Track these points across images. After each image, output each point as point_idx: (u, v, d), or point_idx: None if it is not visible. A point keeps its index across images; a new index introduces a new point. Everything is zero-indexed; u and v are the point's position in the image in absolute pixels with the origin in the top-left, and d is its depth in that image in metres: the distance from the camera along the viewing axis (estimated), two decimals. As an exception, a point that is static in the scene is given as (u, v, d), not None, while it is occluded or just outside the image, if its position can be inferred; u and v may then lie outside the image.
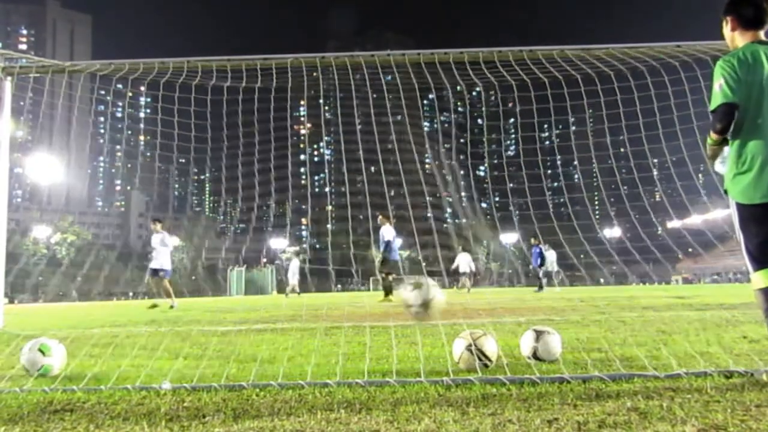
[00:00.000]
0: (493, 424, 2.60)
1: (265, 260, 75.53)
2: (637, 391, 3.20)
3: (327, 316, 10.25)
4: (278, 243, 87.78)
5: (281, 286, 59.07)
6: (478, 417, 2.73)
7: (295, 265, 32.70)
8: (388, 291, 14.87)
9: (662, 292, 20.89)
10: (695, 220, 21.99)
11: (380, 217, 16.22)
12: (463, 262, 30.29)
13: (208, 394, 3.46)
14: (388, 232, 15.42)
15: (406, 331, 6.70)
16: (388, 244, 15.20)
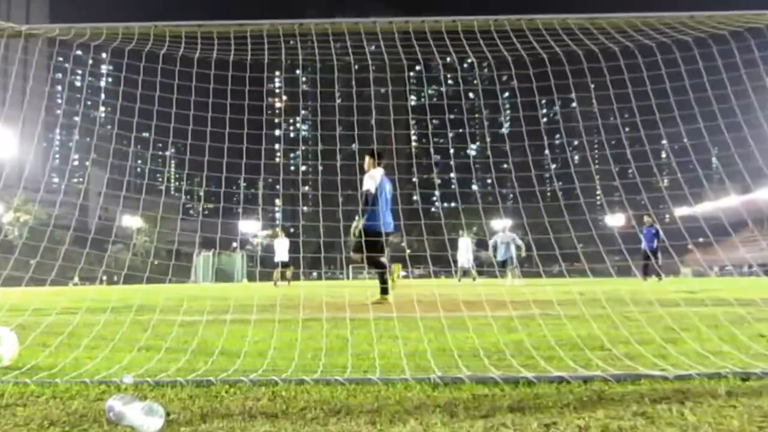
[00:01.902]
0: (485, 428, 2.58)
1: (235, 245, 75.41)
2: (643, 393, 3.19)
3: (303, 306, 10.23)
4: (250, 226, 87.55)
5: (252, 274, 58.96)
6: (468, 420, 2.72)
7: (282, 245, 30.40)
8: (384, 287, 11.32)
9: (670, 285, 21.05)
10: (707, 207, 22.19)
11: (366, 158, 11.80)
12: (463, 248, 30.39)
13: (173, 389, 3.43)
14: (370, 180, 11.47)
15: (389, 324, 6.70)
16: (368, 199, 11.31)
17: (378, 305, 10.23)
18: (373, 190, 11.24)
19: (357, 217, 11.48)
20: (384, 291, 11.14)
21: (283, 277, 30.73)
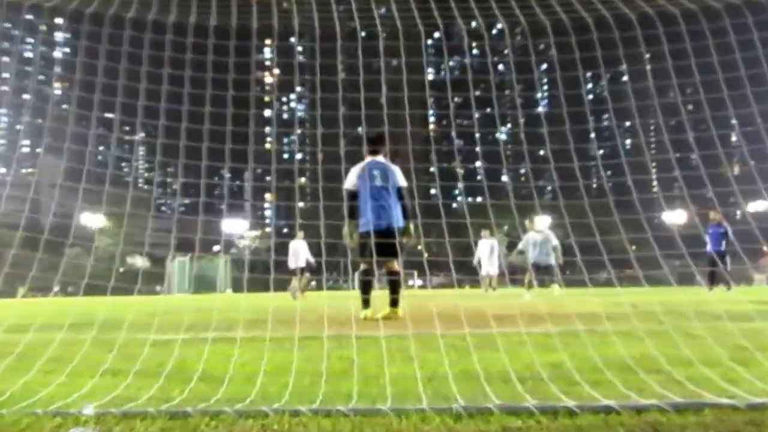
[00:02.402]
0: (518, 468, 2.58)
1: (217, 248, 75.48)
2: (708, 425, 3.18)
3: (299, 321, 10.23)
4: (235, 224, 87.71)
5: (238, 282, 58.86)
6: (498, 457, 2.72)
7: (300, 248, 29.94)
8: (394, 297, 11.41)
9: (741, 295, 20.93)
10: None
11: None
12: (485, 250, 30.19)
13: (143, 422, 3.43)
14: (348, 176, 11.84)
15: (403, 343, 6.69)
16: (348, 199, 11.76)
17: (387, 320, 10.33)
18: (349, 187, 11.77)
19: (346, 221, 11.88)
20: (394, 303, 11.29)
21: (301, 289, 30.43)
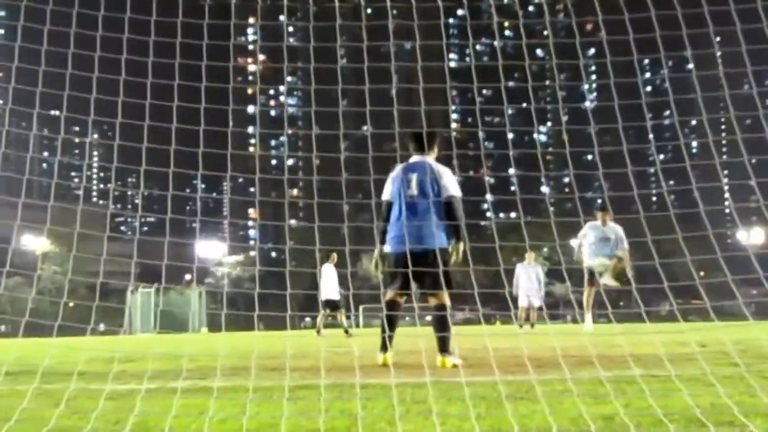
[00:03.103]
0: None
1: (189, 277, 75.59)
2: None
3: (291, 367, 10.26)
4: (211, 248, 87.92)
5: (215, 320, 58.81)
6: None
7: (330, 277, 29.58)
8: (443, 336, 10.74)
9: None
10: None
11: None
12: (524, 279, 30.09)
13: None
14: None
15: (419, 393, 6.72)
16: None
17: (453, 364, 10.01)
18: (385, 198, 11.35)
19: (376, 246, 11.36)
20: (443, 346, 10.59)
21: (339, 322, 30.19)
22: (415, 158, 11.36)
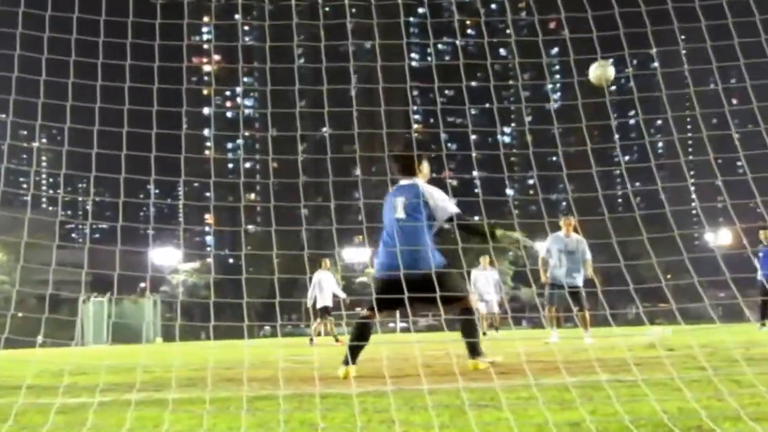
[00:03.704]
0: None
1: (143, 285, 75.18)
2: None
3: (249, 377, 10.22)
4: (166, 255, 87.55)
5: (170, 330, 58.48)
6: None
7: (328, 283, 29.76)
8: (472, 342, 10.93)
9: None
10: None
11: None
12: (482, 284, 30.04)
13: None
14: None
15: (380, 403, 6.72)
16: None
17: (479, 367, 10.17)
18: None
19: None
20: (473, 351, 10.68)
21: (325, 331, 30.30)
22: (403, 182, 11.20)
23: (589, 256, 21.50)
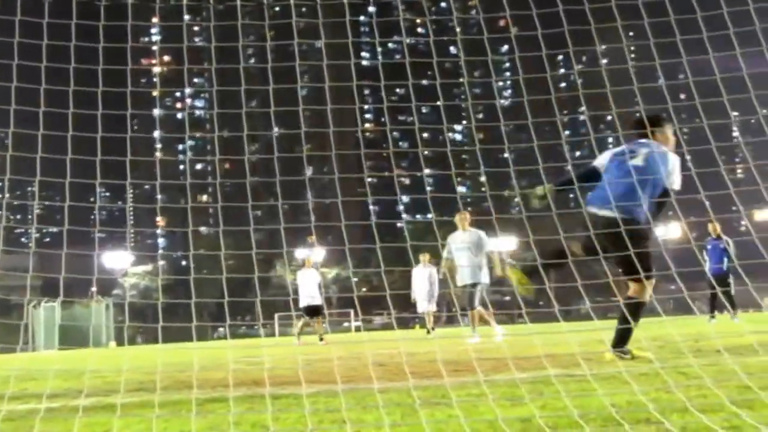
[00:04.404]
0: None
1: (94, 290, 74.48)
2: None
3: (200, 380, 10.17)
4: (116, 259, 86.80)
5: (122, 333, 57.94)
6: None
7: (311, 281, 29.21)
8: (625, 329, 10.33)
9: (749, 324, 21.25)
10: None
11: None
12: (418, 282, 29.69)
13: None
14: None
15: (331, 402, 6.71)
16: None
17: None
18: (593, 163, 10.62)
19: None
20: (621, 339, 10.19)
21: (304, 329, 29.86)
22: (646, 141, 10.74)
23: (490, 247, 20.96)
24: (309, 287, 28.62)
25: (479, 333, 20.04)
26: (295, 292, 29.01)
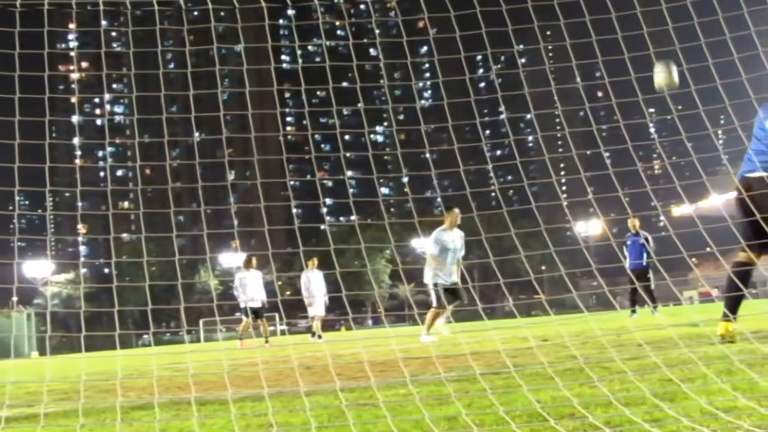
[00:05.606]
0: None
1: (15, 299, 73.32)
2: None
3: (126, 387, 10.07)
4: (37, 267, 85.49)
5: (43, 344, 57.11)
6: None
7: (255, 282, 28.53)
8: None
9: (669, 317, 21.57)
10: (716, 202, 22.53)
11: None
12: (316, 284, 29.42)
13: None
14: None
15: (258, 406, 6.69)
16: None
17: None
18: None
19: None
20: (736, 307, 9.60)
21: (247, 331, 29.52)
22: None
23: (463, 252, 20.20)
24: (253, 288, 28.04)
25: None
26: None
